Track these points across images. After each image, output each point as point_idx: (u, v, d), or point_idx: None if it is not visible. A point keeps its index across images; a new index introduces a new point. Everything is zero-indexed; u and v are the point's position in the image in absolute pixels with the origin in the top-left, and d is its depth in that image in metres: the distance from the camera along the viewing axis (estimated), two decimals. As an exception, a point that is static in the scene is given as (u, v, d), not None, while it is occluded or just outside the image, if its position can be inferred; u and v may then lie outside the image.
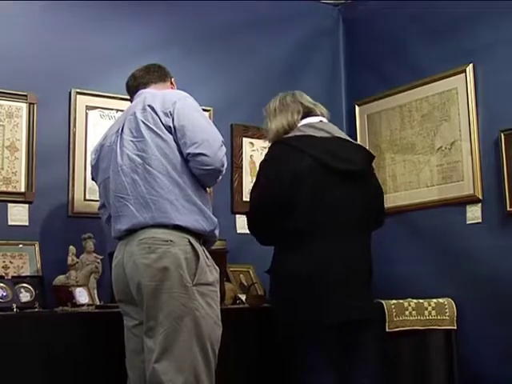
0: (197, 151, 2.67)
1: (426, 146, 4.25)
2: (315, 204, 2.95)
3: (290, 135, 3.09)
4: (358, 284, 3.04)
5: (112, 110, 3.90)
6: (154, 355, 2.55)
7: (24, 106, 3.67)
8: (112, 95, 3.89)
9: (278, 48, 4.59)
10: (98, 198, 3.78)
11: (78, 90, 3.82)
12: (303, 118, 3.13)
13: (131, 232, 2.69)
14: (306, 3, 4.80)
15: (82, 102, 3.84)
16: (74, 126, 3.80)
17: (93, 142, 3.78)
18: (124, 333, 2.78)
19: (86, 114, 3.85)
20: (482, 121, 3.94)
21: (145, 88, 3.00)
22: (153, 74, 3.06)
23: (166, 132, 2.71)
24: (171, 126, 2.71)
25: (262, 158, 3.17)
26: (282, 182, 2.94)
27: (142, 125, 2.73)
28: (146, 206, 2.65)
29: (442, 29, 4.19)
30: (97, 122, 3.87)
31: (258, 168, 3.22)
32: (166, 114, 2.72)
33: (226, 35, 4.34)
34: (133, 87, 3.07)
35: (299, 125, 3.11)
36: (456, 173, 4.05)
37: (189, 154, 2.68)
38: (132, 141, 2.74)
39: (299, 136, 3.05)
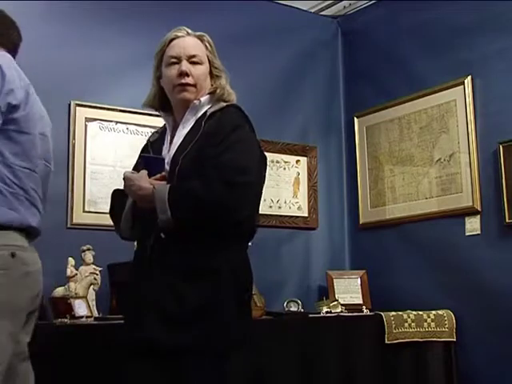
0: None
1: (424, 157, 4.26)
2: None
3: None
4: None
5: (111, 121, 3.90)
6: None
7: (23, 117, 3.67)
8: (111, 107, 3.90)
9: (277, 60, 4.60)
10: (97, 210, 3.81)
11: (78, 102, 3.83)
12: None
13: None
14: (305, 15, 4.82)
15: (81, 113, 3.84)
16: (74, 137, 3.81)
17: (92, 154, 3.82)
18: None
19: (86, 125, 3.86)
20: (481, 133, 3.95)
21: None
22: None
23: None
24: None
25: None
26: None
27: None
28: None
29: (440, 41, 4.21)
30: (96, 133, 3.88)
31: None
32: None
33: (225, 47, 4.30)
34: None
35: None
36: (455, 184, 4.06)
37: None
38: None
39: None
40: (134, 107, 3.83)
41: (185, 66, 2.44)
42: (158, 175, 2.34)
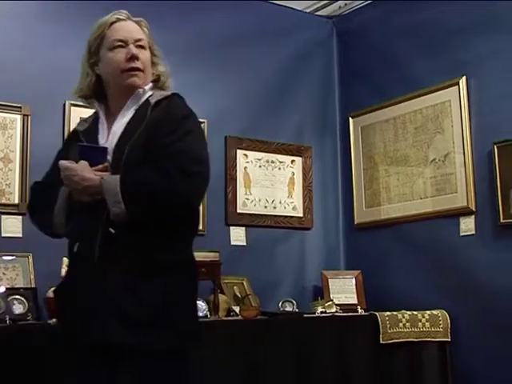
0: None
1: (419, 158, 4.26)
2: None
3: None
4: None
5: (106, 121, 3.90)
6: None
7: (18, 117, 3.67)
8: (106, 107, 3.89)
9: (272, 60, 4.60)
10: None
11: (72, 102, 3.81)
12: None
13: None
14: (301, 16, 4.82)
15: (76, 113, 3.82)
16: (68, 137, 3.81)
17: (87, 154, 3.81)
18: None
19: (80, 125, 3.85)
20: (476, 133, 3.96)
21: None
22: None
23: None
24: None
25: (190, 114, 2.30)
26: None
27: None
28: None
29: (435, 41, 4.21)
30: (91, 133, 3.87)
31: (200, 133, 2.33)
32: None
33: (221, 47, 4.35)
34: None
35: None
36: (449, 185, 4.06)
37: None
38: None
39: None
40: (129, 107, 3.82)
41: (134, 49, 2.31)
42: (101, 166, 2.18)
